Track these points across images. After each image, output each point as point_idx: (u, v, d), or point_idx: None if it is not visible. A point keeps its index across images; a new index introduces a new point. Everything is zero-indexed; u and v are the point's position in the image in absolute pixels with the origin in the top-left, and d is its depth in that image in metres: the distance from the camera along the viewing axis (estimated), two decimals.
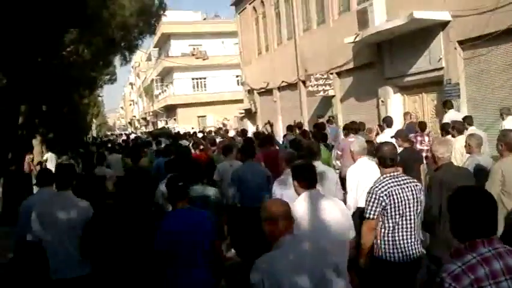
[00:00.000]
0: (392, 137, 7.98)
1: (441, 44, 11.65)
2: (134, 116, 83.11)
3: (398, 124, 11.83)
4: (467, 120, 8.59)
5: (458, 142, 6.90)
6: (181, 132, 24.04)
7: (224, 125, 34.64)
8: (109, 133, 69.72)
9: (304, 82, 19.63)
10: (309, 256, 2.68)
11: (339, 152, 8.46)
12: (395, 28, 12.00)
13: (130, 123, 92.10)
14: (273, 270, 2.56)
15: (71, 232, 4.13)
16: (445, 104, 10.63)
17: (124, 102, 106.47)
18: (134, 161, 9.05)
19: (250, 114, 26.67)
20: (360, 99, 15.75)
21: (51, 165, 16.50)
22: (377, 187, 3.78)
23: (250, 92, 26.27)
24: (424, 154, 8.48)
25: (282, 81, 21.47)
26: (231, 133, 21.19)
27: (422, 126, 10.04)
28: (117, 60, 17.86)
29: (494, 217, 2.19)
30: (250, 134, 16.53)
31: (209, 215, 4.07)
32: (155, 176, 7.68)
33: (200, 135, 21.99)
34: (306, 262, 2.64)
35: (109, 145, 20.81)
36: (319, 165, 5.15)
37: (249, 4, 25.18)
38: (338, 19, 16.73)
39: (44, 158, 15.64)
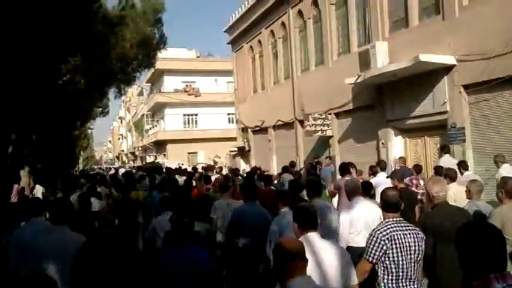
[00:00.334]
0: (387, 177, 8.38)
1: (445, 88, 11.56)
2: (122, 151, 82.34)
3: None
4: (463, 165, 8.62)
5: (451, 190, 6.77)
6: (172, 168, 23.63)
7: (215, 162, 34.23)
8: (96, 167, 68.73)
9: (301, 121, 19.46)
10: None
11: (335, 191, 8.40)
12: (398, 70, 11.93)
13: (117, 157, 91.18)
14: None
15: (64, 266, 4.02)
16: (443, 149, 10.80)
17: (112, 136, 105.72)
18: (124, 194, 9.03)
19: (243, 153, 26.35)
20: (359, 140, 15.53)
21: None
22: (379, 230, 3.75)
23: (244, 130, 26.04)
24: (419, 197, 8.36)
25: (278, 120, 21.29)
26: (223, 171, 20.83)
27: (417, 169, 9.98)
28: (111, 93, 17.55)
29: (505, 251, 2.14)
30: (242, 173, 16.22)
31: (208, 252, 4.19)
32: (149, 211, 7.67)
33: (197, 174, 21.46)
34: None
35: (98, 178, 20.35)
36: (319, 202, 5.24)
37: (246, 43, 25.31)
38: (337, 60, 16.75)
39: (34, 191, 15.01)
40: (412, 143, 13.43)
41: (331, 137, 16.95)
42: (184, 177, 14.04)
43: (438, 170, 8.32)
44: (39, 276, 2.88)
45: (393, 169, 11.73)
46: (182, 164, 31.99)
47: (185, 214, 4.17)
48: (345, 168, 8.92)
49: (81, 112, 16.12)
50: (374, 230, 3.81)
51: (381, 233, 3.71)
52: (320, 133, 16.78)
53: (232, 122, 47.55)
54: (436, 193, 4.50)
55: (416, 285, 3.76)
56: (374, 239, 3.72)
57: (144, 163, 47.91)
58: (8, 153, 12.02)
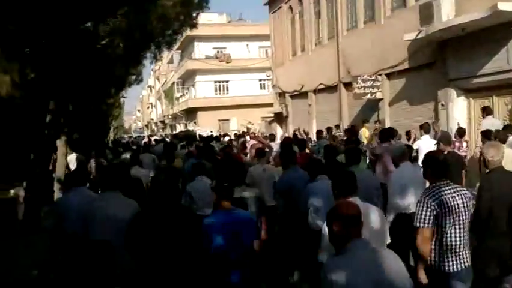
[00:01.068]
0: (435, 144, 8.19)
1: None
2: (152, 119, 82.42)
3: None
4: (509, 129, 8.13)
5: None
6: (204, 135, 23.07)
7: (248, 129, 33.48)
8: (125, 135, 68.98)
9: (345, 84, 18.37)
10: (375, 264, 2.58)
11: (373, 157, 8.27)
12: (469, 23, 10.66)
13: (146, 126, 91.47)
14: (341, 274, 2.50)
15: (119, 230, 3.94)
16: (484, 110, 10.32)
17: (141, 104, 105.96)
18: (169, 162, 9.26)
19: (280, 118, 25.41)
20: (413, 102, 14.38)
21: (73, 167, 15.48)
22: (427, 196, 3.73)
23: (282, 95, 25.02)
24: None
25: (320, 84, 20.17)
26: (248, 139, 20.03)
27: (461, 132, 9.65)
28: (147, 58, 16.69)
29: None
30: (279, 139, 15.50)
31: (251, 215, 4.29)
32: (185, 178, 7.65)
33: (226, 138, 20.94)
34: (373, 271, 2.55)
35: (134, 147, 19.98)
36: (358, 171, 5.01)
37: (285, 3, 24.01)
38: (391, 16, 15.44)
39: (68, 158, 14.56)
40: (477, 103, 12.21)
41: (380, 99, 15.81)
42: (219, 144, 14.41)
43: (487, 134, 7.74)
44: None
45: (451, 132, 10.79)
46: (211, 132, 31.32)
47: (224, 179, 4.19)
48: (386, 134, 8.49)
49: (117, 79, 15.35)
50: (422, 195, 3.80)
51: (430, 198, 3.68)
52: (369, 96, 15.68)
53: (264, 88, 46.64)
54: (491, 157, 4.40)
55: (463, 249, 3.75)
56: (423, 204, 3.69)
57: (176, 131, 47.66)
58: (46, 122, 11.40)
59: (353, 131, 14.01)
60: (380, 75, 15.67)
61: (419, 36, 12.29)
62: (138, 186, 6.69)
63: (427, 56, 13.33)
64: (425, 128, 9.86)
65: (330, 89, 19.59)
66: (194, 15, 12.59)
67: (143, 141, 28.80)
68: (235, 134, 25.86)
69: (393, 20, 15.07)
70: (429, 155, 4.30)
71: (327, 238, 2.92)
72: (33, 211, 10.31)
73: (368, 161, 9.64)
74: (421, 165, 4.46)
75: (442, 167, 3.94)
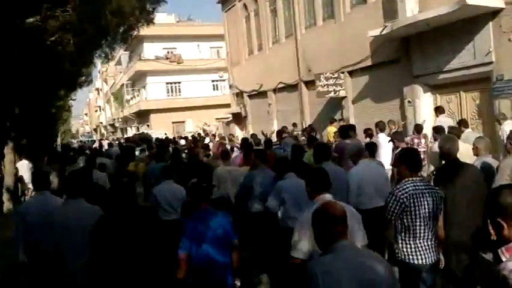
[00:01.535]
0: (389, 141, 8.55)
1: (490, 36, 10.28)
2: (101, 123, 79.65)
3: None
4: (463, 123, 8.60)
5: None
6: (159, 138, 22.30)
7: (204, 130, 32.76)
8: (73, 140, 66.31)
9: (306, 83, 18.10)
10: (360, 264, 2.56)
11: (335, 154, 7.99)
12: (436, 18, 10.54)
13: (95, 129, 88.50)
14: (329, 273, 2.49)
15: (85, 237, 4.00)
16: (437, 109, 10.61)
17: (88, 108, 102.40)
18: (122, 166, 9.21)
19: (238, 119, 24.88)
20: (378, 100, 14.25)
21: (25, 174, 14.42)
22: (398, 189, 3.81)
23: (239, 95, 24.50)
24: (422, 156, 7.58)
25: (279, 83, 19.80)
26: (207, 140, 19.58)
27: (419, 128, 9.82)
28: (97, 58, 15.71)
29: None
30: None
31: (228, 216, 4.25)
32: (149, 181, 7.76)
33: (182, 141, 20.34)
34: (358, 270, 2.53)
35: (87, 151, 18.94)
36: (330, 166, 5.34)
37: (239, 1, 23.48)
38: (351, 12, 15.23)
39: (18, 165, 13.48)
40: (444, 99, 12.19)
41: (344, 97, 15.61)
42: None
43: (439, 129, 8.04)
44: None
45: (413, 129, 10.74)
46: (166, 134, 30.44)
47: (203, 180, 4.25)
48: (345, 131, 8.84)
49: (67, 79, 14.33)
50: (394, 189, 3.88)
51: (400, 191, 3.76)
52: (332, 94, 15.43)
53: (217, 89, 46.02)
54: (447, 150, 4.60)
55: (432, 243, 3.83)
56: (394, 197, 3.78)
57: (127, 135, 46.15)
58: None
59: (312, 129, 13.84)
60: (342, 72, 15.46)
61: (383, 32, 12.10)
62: (101, 191, 6.19)
63: (391, 53, 13.20)
64: (380, 126, 9.93)
65: (291, 87, 19.26)
66: (150, 9, 11.86)
67: (93, 146, 27.59)
68: (193, 135, 25.14)
69: (354, 17, 14.88)
70: (406, 151, 4.55)
71: (300, 236, 3.33)
72: None
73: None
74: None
75: (417, 162, 4.00)
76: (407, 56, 12.60)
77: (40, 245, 4.51)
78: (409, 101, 12.75)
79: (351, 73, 15.39)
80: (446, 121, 9.66)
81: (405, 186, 3.79)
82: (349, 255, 2.58)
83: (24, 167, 14.26)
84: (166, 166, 7.00)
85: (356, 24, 14.51)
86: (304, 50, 17.74)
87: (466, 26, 10.65)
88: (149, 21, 12.06)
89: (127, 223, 3.72)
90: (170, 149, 13.46)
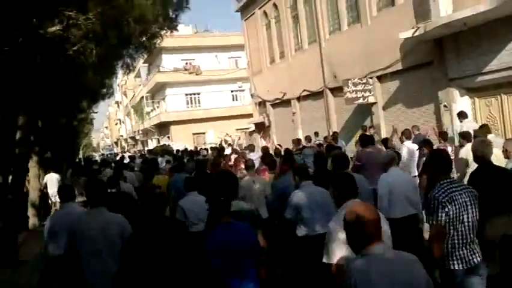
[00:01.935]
0: (417, 149, 8.61)
1: None
2: (121, 136, 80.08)
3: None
4: (485, 129, 8.30)
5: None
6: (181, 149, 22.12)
7: (226, 141, 32.47)
8: (94, 154, 66.69)
9: (332, 90, 17.60)
10: (397, 267, 2.50)
11: (357, 163, 7.97)
12: (473, 16, 9.96)
13: (116, 143, 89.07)
14: (365, 279, 2.43)
15: (110, 247, 4.19)
16: (460, 115, 10.33)
17: (109, 121, 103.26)
18: (148, 178, 8.93)
19: (261, 129, 24.47)
20: (410, 105, 13.66)
21: (53, 187, 14.25)
22: (437, 193, 3.66)
23: (261, 104, 24.09)
24: None
25: (304, 90, 19.35)
26: (228, 150, 19.33)
27: (444, 136, 9.65)
28: (119, 68, 15.43)
29: None
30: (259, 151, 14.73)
31: (251, 228, 4.04)
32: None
33: (204, 152, 20.02)
34: (395, 273, 2.46)
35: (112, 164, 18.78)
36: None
37: (258, 9, 23.18)
38: (378, 15, 14.74)
39: (45, 181, 13.23)
40: (483, 103, 11.56)
41: (374, 103, 15.05)
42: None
43: (466, 136, 7.87)
44: None
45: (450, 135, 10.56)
46: (186, 146, 30.16)
47: (220, 193, 4.14)
48: (366, 139, 8.75)
49: (90, 90, 14.08)
50: (432, 194, 3.72)
51: (440, 195, 3.63)
52: (361, 100, 14.88)
53: (237, 99, 45.82)
54: (481, 153, 4.54)
55: (474, 245, 3.72)
56: (436, 202, 3.62)
57: (148, 147, 46.14)
58: (15, 140, 10.09)
59: (335, 137, 13.50)
60: (370, 78, 14.93)
61: (416, 34, 11.56)
62: (128, 200, 6.37)
63: (423, 55, 12.63)
64: (406, 134, 9.88)
65: (315, 95, 18.78)
66: (174, 16, 11.51)
67: (117, 158, 27.48)
68: (214, 147, 24.79)
69: (381, 20, 14.38)
70: (435, 153, 4.51)
71: (335, 242, 3.36)
72: (7, 241, 8.98)
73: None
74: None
75: (448, 164, 3.92)
76: (441, 58, 12.01)
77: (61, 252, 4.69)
78: (445, 106, 12.15)
79: (380, 78, 14.85)
80: (471, 126, 9.47)
81: (443, 189, 3.66)
82: (386, 258, 2.53)
83: (53, 181, 14.13)
84: (189, 178, 6.83)
85: (383, 27, 14.01)
86: (329, 55, 17.27)
87: (506, 24, 10.07)
88: (173, 28, 11.73)
89: (160, 236, 3.78)
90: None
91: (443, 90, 12.17)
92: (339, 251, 3.39)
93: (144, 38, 11.36)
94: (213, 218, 4.02)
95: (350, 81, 14.76)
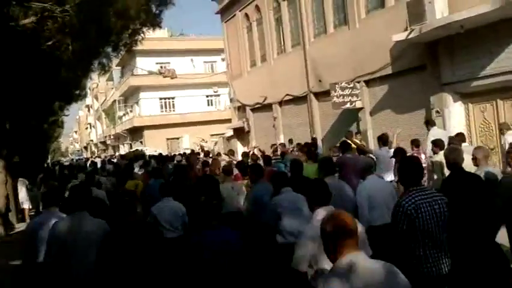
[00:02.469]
0: (391, 157, 8.47)
1: None
2: (91, 140, 78.05)
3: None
4: (460, 136, 8.60)
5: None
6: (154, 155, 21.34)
7: (202, 146, 31.68)
8: (63, 159, 64.67)
9: (316, 94, 17.13)
10: (375, 276, 2.44)
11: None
12: (472, 18, 9.62)
13: (85, 147, 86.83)
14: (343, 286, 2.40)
15: (92, 250, 4.08)
16: (428, 123, 10.43)
17: (78, 125, 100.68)
18: (121, 184, 8.86)
19: (240, 134, 23.83)
20: (400, 110, 13.28)
21: (21, 193, 13.38)
22: (404, 201, 3.63)
23: (240, 109, 23.47)
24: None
25: (286, 95, 18.83)
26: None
27: (416, 143, 9.72)
28: (95, 70, 14.56)
29: None
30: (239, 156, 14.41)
31: (239, 234, 4.14)
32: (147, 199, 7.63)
33: (179, 158, 19.33)
34: (373, 283, 2.43)
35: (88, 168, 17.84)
36: (333, 180, 5.51)
37: (239, 11, 22.60)
38: (367, 18, 14.35)
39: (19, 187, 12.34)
40: (477, 108, 11.24)
41: (361, 109, 14.63)
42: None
43: (439, 143, 7.98)
44: None
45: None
46: (155, 151, 29.24)
47: (213, 197, 4.42)
48: (346, 145, 8.94)
49: (64, 90, 13.16)
50: (399, 200, 3.73)
51: (406, 202, 3.61)
52: (348, 105, 14.44)
53: (212, 105, 45.12)
54: (454, 159, 4.74)
55: (443, 252, 3.69)
56: (400, 209, 3.62)
57: (120, 152, 44.85)
58: None
59: (313, 144, 13.39)
60: (358, 82, 14.51)
61: (410, 36, 11.17)
62: (102, 206, 6.24)
63: (415, 59, 12.27)
64: (383, 139, 9.68)
65: (298, 99, 18.28)
66: (157, 12, 10.81)
67: (87, 164, 26.38)
68: (186, 153, 23.99)
69: (370, 22, 14.00)
70: (406, 161, 4.38)
71: (304, 249, 3.45)
72: None
73: None
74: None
75: (418, 171, 3.88)
76: (435, 62, 11.67)
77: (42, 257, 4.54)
78: (437, 111, 11.79)
79: (367, 82, 14.45)
80: (440, 133, 9.67)
81: (410, 197, 3.64)
82: (363, 267, 2.46)
83: (22, 186, 13.21)
84: (164, 183, 6.84)
85: (372, 30, 13.64)
86: (314, 59, 16.81)
87: (504, 27, 9.76)
88: (156, 25, 11.04)
89: (132, 239, 3.85)
90: (171, 165, 13.15)
91: (435, 95, 11.83)
92: (307, 259, 3.47)
93: (125, 35, 10.62)
94: (202, 221, 4.05)
95: (337, 85, 14.30)
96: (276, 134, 19.88)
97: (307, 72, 17.28)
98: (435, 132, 9.79)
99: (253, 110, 22.26)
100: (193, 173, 10.73)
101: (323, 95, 16.57)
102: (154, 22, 10.92)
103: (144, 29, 10.86)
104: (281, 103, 19.56)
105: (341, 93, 14.29)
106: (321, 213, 3.53)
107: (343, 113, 15.55)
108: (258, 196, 6.09)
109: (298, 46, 17.98)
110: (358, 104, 14.50)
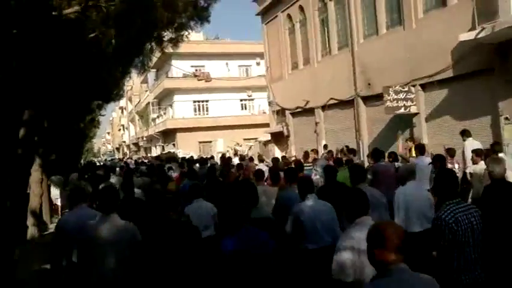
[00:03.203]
0: (430, 163, 8.26)
1: None
2: (124, 142, 78.62)
3: None
4: (496, 147, 8.68)
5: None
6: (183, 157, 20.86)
7: (236, 150, 31.06)
8: (95, 159, 65.22)
9: (364, 98, 16.18)
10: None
11: (369, 177, 7.70)
12: None
13: (117, 149, 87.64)
14: None
15: (120, 254, 4.16)
16: (464, 133, 10.13)
17: (111, 127, 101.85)
18: (163, 185, 9.08)
19: (278, 139, 23.00)
20: (461, 117, 12.21)
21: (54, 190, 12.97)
22: (444, 215, 3.61)
23: (279, 113, 22.67)
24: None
25: (330, 99, 17.92)
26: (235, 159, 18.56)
27: (451, 152, 9.80)
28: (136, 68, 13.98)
29: None
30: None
31: (269, 236, 4.09)
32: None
33: (212, 161, 18.76)
34: None
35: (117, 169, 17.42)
36: (366, 188, 5.30)
37: (281, 12, 21.85)
38: (424, 18, 13.36)
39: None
40: None
41: (416, 114, 13.61)
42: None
43: (480, 153, 8.20)
44: None
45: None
46: (187, 154, 28.72)
47: (241, 200, 4.27)
48: (378, 153, 8.98)
49: (104, 88, 12.64)
50: (438, 214, 3.68)
51: (446, 216, 3.59)
52: (402, 110, 13.45)
53: (245, 109, 44.53)
54: (493, 170, 4.77)
55: (478, 265, 3.67)
56: (442, 222, 3.58)
57: (151, 154, 44.69)
58: (18, 139, 8.63)
59: (347, 150, 12.77)
60: (413, 86, 13.51)
61: (480, 36, 10.16)
62: (140, 205, 6.51)
63: (481, 61, 11.22)
64: (420, 149, 9.65)
65: (343, 104, 17.36)
66: (205, 5, 10.12)
67: (120, 165, 26.09)
68: (224, 155, 23.36)
69: (428, 23, 13.01)
70: (445, 173, 4.26)
71: (343, 259, 3.46)
72: (3, 257, 7.50)
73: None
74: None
75: (454, 184, 3.91)
76: (505, 64, 10.60)
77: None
78: (506, 118, 10.72)
79: (424, 86, 13.43)
80: (475, 145, 9.47)
81: (449, 210, 3.64)
82: (407, 279, 2.47)
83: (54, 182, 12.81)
84: (195, 184, 6.95)
85: (431, 30, 12.68)
86: (363, 62, 15.88)
87: None
88: (204, 20, 10.33)
89: (175, 236, 4.02)
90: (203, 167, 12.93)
91: (505, 101, 10.75)
92: (349, 270, 3.45)
93: (170, 29, 9.98)
94: (233, 224, 4.04)
95: (391, 89, 13.33)
96: (318, 139, 18.98)
97: (354, 75, 16.37)
98: (472, 143, 9.69)
99: (294, 114, 21.42)
100: (231, 175, 10.14)
101: (371, 99, 15.63)
102: (202, 16, 10.22)
103: (191, 23, 10.18)
104: (324, 107, 18.66)
105: (395, 97, 13.32)
106: (360, 224, 3.56)
107: (393, 119, 14.55)
108: (284, 202, 5.99)
109: (346, 48, 17.09)
110: (413, 109, 13.50)
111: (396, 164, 9.45)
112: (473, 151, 8.38)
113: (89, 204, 5.63)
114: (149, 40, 10.22)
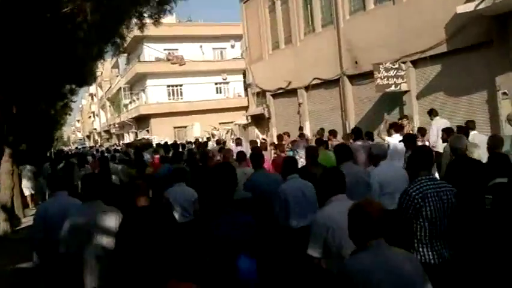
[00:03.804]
0: (400, 141, 8.03)
1: None
2: (95, 129, 76.64)
3: None
4: (470, 124, 8.80)
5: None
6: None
7: (213, 134, 30.34)
8: (65, 148, 63.34)
9: (350, 77, 15.67)
10: (400, 261, 2.60)
11: None
12: None
13: (88, 136, 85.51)
14: (366, 270, 2.48)
15: (106, 239, 4.17)
16: (431, 113, 10.42)
17: (81, 114, 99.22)
18: (140, 171, 8.87)
19: (259, 121, 22.37)
20: (455, 93, 11.83)
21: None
22: (412, 189, 3.66)
23: (259, 94, 21.99)
24: None
25: (314, 79, 17.33)
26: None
27: (422, 131, 9.92)
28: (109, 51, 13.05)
29: None
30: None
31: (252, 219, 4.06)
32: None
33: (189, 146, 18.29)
34: (398, 266, 2.56)
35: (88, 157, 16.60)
36: (351, 167, 5.50)
37: None
38: None
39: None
40: None
41: (406, 92, 13.17)
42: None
43: (449, 131, 8.24)
44: None
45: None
46: (162, 140, 27.88)
47: (225, 183, 4.15)
48: (358, 132, 9.31)
49: (78, 71, 11.68)
50: (407, 188, 3.73)
51: (414, 191, 3.62)
52: (393, 87, 12.98)
53: (220, 92, 43.67)
54: (456, 147, 5.27)
55: (446, 241, 3.69)
56: (407, 197, 3.63)
57: (125, 141, 43.50)
58: None
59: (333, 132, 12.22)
60: (403, 63, 13.04)
61: (480, 7, 9.69)
62: (119, 192, 6.40)
63: (478, 35, 10.80)
64: (395, 127, 9.95)
65: (328, 83, 16.81)
66: None
67: (94, 152, 25.07)
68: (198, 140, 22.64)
69: None
70: (417, 149, 4.44)
71: (316, 237, 3.61)
72: None
73: None
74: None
75: (428, 161, 3.89)
76: (504, 37, 10.20)
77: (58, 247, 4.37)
78: (504, 93, 10.36)
79: (415, 63, 12.97)
80: (442, 123, 9.71)
81: (418, 185, 3.64)
82: (386, 253, 2.58)
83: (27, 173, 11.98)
84: (177, 168, 6.89)
85: (422, 4, 12.18)
86: (349, 39, 15.31)
87: None
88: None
89: (142, 224, 3.95)
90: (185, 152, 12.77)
91: (502, 75, 10.38)
92: (321, 245, 3.57)
93: (152, 3, 9.16)
94: (216, 207, 4.01)
95: (381, 66, 12.84)
96: (302, 120, 18.42)
97: (340, 53, 15.81)
98: (441, 122, 9.90)
99: (275, 95, 20.78)
100: (211, 160, 9.67)
101: (358, 77, 15.15)
102: None
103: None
104: (308, 88, 18.06)
105: (385, 74, 12.83)
106: (335, 202, 3.64)
107: (382, 98, 14.10)
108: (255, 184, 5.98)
109: (331, 25, 16.48)
110: (403, 87, 13.05)
111: (370, 142, 9.21)
112: (444, 129, 8.51)
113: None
114: (129, 16, 9.37)
